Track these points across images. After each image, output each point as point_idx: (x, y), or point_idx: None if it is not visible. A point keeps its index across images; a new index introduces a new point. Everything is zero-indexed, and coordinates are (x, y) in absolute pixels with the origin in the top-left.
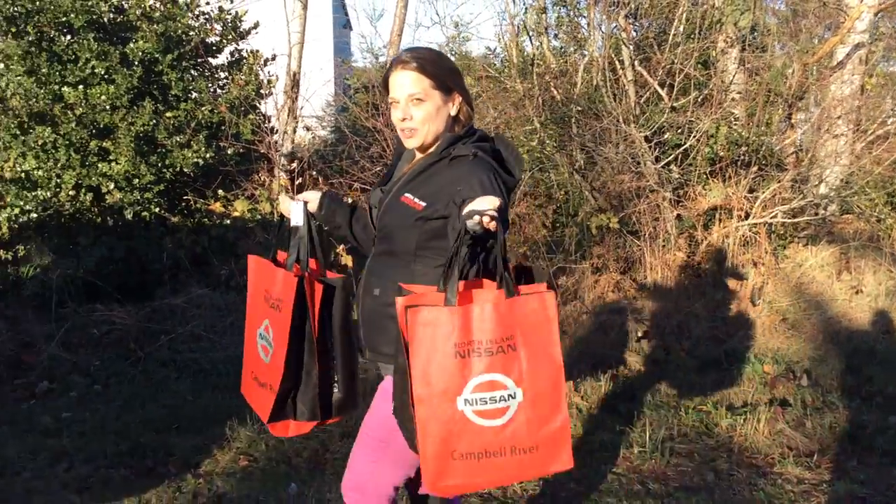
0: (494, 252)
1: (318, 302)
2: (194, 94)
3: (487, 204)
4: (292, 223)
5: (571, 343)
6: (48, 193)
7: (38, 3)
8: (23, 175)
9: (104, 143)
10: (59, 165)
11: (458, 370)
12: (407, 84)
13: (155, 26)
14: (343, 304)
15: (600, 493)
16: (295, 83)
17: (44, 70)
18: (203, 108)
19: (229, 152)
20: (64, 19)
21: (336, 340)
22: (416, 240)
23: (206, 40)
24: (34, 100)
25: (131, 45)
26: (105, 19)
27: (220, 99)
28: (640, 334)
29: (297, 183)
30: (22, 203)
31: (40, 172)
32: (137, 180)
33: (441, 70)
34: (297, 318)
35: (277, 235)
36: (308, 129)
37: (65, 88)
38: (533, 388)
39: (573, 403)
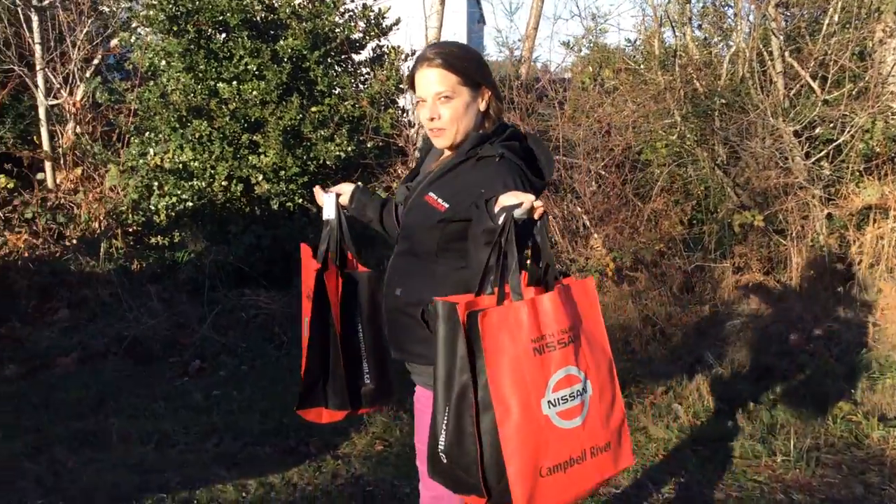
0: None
1: (339, 293)
2: (338, 90)
3: (515, 199)
4: (324, 216)
5: (710, 344)
6: (203, 184)
7: (197, 2)
8: (180, 166)
9: (254, 137)
10: (213, 157)
11: (539, 369)
12: (434, 82)
13: (304, 24)
14: (370, 296)
15: (741, 500)
16: None
17: (201, 67)
18: (346, 103)
19: (369, 145)
20: (221, 18)
21: (364, 333)
22: (437, 241)
23: (351, 37)
24: (192, 95)
25: (281, 42)
26: (258, 18)
27: (361, 94)
28: (785, 338)
29: None
30: (179, 192)
31: (196, 164)
32: (284, 172)
33: (468, 64)
34: (318, 310)
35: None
36: None
37: (220, 84)
38: (597, 378)
39: (707, 408)
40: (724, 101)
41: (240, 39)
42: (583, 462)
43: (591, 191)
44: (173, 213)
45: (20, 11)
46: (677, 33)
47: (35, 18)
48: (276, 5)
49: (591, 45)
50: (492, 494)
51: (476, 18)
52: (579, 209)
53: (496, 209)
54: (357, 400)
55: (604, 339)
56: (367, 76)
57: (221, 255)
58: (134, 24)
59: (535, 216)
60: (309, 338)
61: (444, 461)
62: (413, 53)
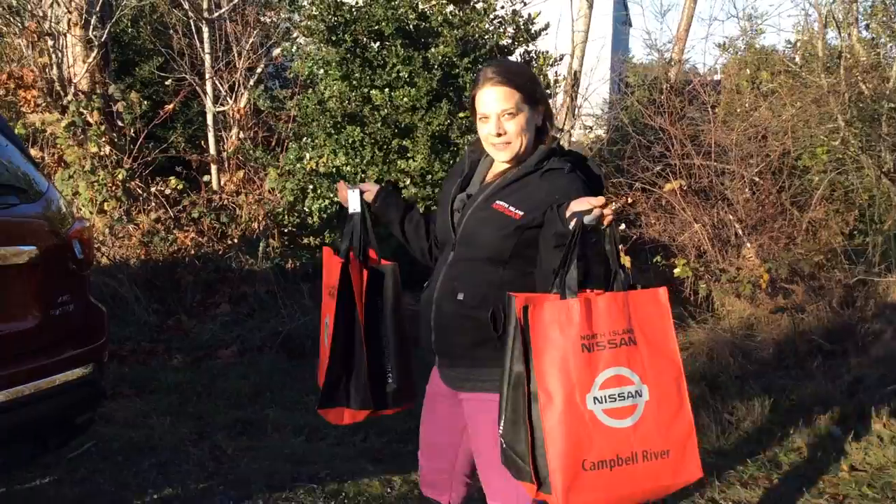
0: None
1: (365, 288)
2: None
3: (586, 205)
4: (349, 210)
5: (872, 363)
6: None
7: (355, 13)
8: (334, 170)
9: (404, 142)
10: (364, 162)
11: (587, 365)
12: (499, 100)
13: (454, 31)
14: (394, 290)
15: None
16: (575, 82)
17: (356, 75)
18: None
19: None
20: (376, 28)
21: (388, 328)
22: (511, 247)
23: (500, 43)
24: (347, 102)
25: (432, 49)
26: (411, 26)
27: None
28: None
29: None
30: (332, 195)
31: (348, 168)
32: (430, 176)
33: (528, 82)
34: (342, 305)
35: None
36: (588, 127)
37: (373, 91)
38: (658, 385)
39: (874, 431)
40: (892, 105)
41: (393, 48)
42: (633, 464)
43: (744, 198)
44: (325, 215)
45: (192, 23)
46: (842, 34)
47: (206, 30)
48: (428, 14)
49: (747, 46)
50: (542, 483)
51: (622, 21)
52: (731, 217)
53: (567, 214)
54: (380, 399)
55: (672, 349)
56: None
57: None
58: (294, 35)
59: (605, 223)
60: (333, 334)
61: (504, 446)
62: (561, 58)
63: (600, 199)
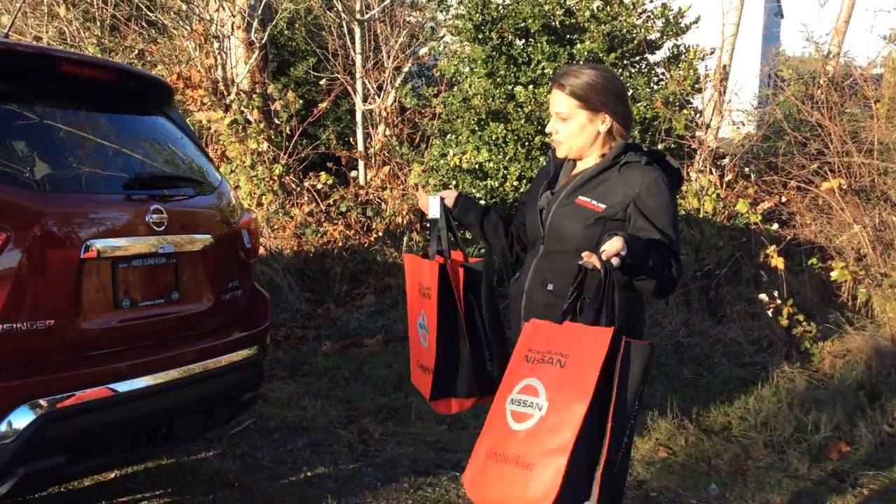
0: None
1: (462, 286)
2: (631, 91)
3: (615, 246)
4: (430, 216)
5: None
6: (496, 183)
7: (501, 10)
8: (477, 166)
9: (547, 139)
10: (507, 158)
11: (516, 370)
12: (556, 103)
13: (602, 27)
14: (487, 285)
15: None
16: (724, 76)
17: (501, 72)
18: (638, 104)
19: (660, 147)
20: (522, 25)
21: (486, 320)
22: (595, 238)
23: (648, 37)
24: (491, 99)
25: (578, 45)
26: (557, 23)
27: (655, 95)
28: None
29: (726, 180)
30: (474, 191)
31: (491, 164)
32: None
33: (590, 92)
34: (444, 302)
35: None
36: (740, 123)
37: (517, 88)
38: (557, 405)
39: None
40: None
41: (539, 44)
42: (509, 465)
43: None
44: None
45: (345, 25)
46: None
47: (357, 31)
48: (575, 10)
49: None
50: None
51: (774, 12)
52: (894, 219)
53: (602, 246)
54: (484, 386)
55: (588, 380)
56: (661, 76)
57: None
58: (441, 34)
59: (595, 266)
60: (437, 330)
61: None
62: (712, 52)
63: (615, 248)
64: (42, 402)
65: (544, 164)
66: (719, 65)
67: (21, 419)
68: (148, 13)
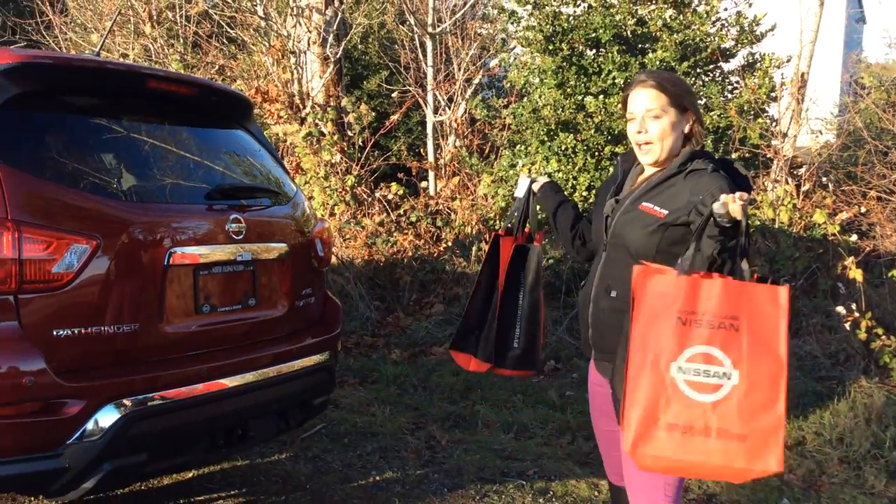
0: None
1: (508, 261)
2: (704, 100)
3: (726, 198)
4: (515, 194)
5: None
6: (565, 193)
7: (572, 21)
8: (546, 177)
9: (616, 148)
10: (576, 168)
11: (676, 336)
12: (645, 101)
13: (674, 36)
14: (535, 268)
15: None
16: (802, 84)
17: (571, 82)
18: (712, 113)
19: (734, 156)
20: (593, 35)
21: (524, 299)
22: (657, 245)
23: (721, 45)
24: (561, 110)
25: (650, 55)
26: (628, 32)
27: (729, 103)
28: None
29: (803, 190)
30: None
31: (560, 174)
32: None
33: (677, 89)
34: (487, 269)
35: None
36: (817, 132)
37: (587, 98)
38: (751, 374)
39: None
40: None
41: (610, 54)
42: (706, 437)
43: None
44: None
45: (417, 38)
46: None
47: (429, 44)
48: (647, 19)
49: None
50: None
51: (856, 18)
52: None
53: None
54: (501, 359)
55: (777, 347)
56: (736, 85)
57: (579, 261)
58: (512, 46)
59: (735, 214)
60: (474, 290)
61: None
62: (788, 60)
63: (742, 194)
64: (126, 401)
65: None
66: (797, 72)
67: (107, 417)
68: (228, 30)
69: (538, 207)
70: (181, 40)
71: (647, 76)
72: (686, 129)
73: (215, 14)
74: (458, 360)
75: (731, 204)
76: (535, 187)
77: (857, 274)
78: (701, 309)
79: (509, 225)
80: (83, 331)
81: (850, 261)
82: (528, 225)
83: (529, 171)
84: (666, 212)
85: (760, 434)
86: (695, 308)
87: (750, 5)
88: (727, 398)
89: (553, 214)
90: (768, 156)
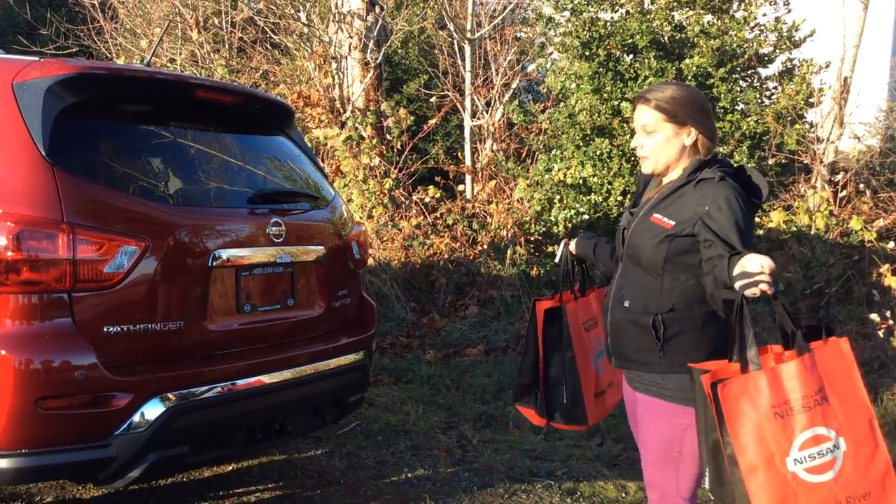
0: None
1: (542, 321)
2: (741, 106)
3: (758, 265)
4: (556, 261)
5: None
6: (599, 198)
7: (610, 27)
8: (581, 181)
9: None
10: (611, 174)
11: (782, 431)
12: (640, 117)
13: (711, 42)
14: (567, 326)
15: None
16: (845, 89)
17: (607, 88)
18: (749, 119)
19: (770, 162)
20: (630, 41)
21: (562, 357)
22: (664, 255)
23: (759, 51)
24: (597, 115)
25: (687, 60)
26: (665, 38)
27: (766, 109)
28: None
29: (840, 196)
30: (577, 205)
31: (595, 179)
32: None
33: (675, 105)
34: (529, 333)
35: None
36: (857, 137)
37: (623, 104)
38: (853, 434)
39: None
40: None
41: (646, 60)
42: None
43: None
44: (570, 225)
45: (456, 43)
46: None
47: (468, 49)
48: (684, 24)
49: None
50: None
51: None
52: None
53: (735, 271)
54: (552, 414)
55: (860, 396)
56: (773, 91)
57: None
58: (549, 51)
59: (768, 293)
60: (524, 351)
61: (712, 497)
62: (828, 66)
63: (768, 265)
64: (171, 395)
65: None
66: (840, 77)
67: (152, 410)
68: (272, 36)
69: (576, 262)
70: (227, 46)
71: (647, 92)
72: (688, 142)
73: (260, 20)
74: (524, 413)
75: (763, 287)
76: (572, 248)
77: (892, 281)
78: (791, 396)
79: (560, 290)
80: (132, 328)
81: (885, 268)
82: (574, 284)
83: (561, 181)
84: (673, 223)
85: (877, 484)
86: (785, 398)
87: (789, 11)
88: (844, 467)
89: (594, 255)
90: (805, 161)
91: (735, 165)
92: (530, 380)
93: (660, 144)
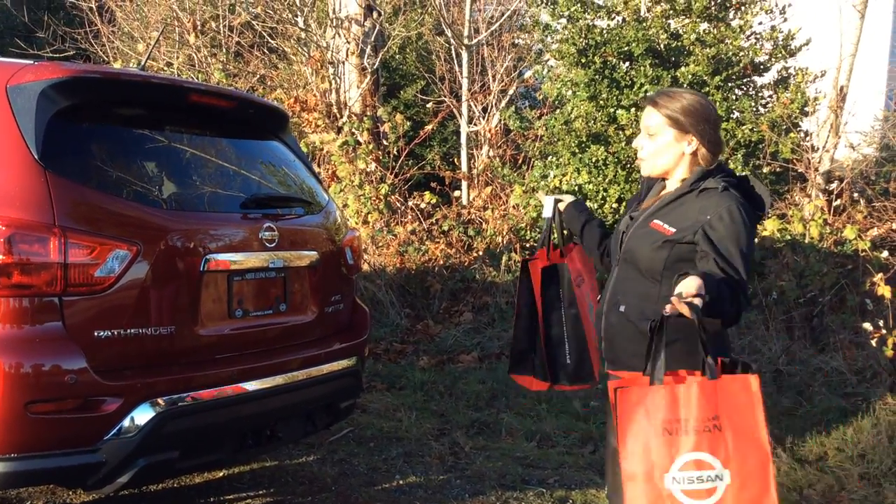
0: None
1: (540, 282)
2: (736, 114)
3: (691, 287)
4: (543, 215)
5: None
6: (595, 205)
7: (606, 35)
8: (576, 188)
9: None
10: (606, 180)
11: (667, 448)
12: (644, 118)
13: (707, 50)
14: (569, 284)
15: None
16: (841, 98)
17: (603, 95)
18: (743, 127)
19: (765, 170)
20: (626, 49)
21: (566, 315)
22: (663, 261)
23: (755, 60)
24: (593, 122)
25: (682, 68)
26: (661, 46)
27: (761, 117)
28: None
29: (834, 205)
30: None
31: (590, 186)
32: None
33: (678, 113)
34: (523, 292)
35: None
36: (858, 145)
37: (619, 111)
38: (741, 470)
39: None
40: None
41: (642, 68)
42: None
43: None
44: (565, 232)
45: (453, 49)
46: None
47: (465, 55)
48: (681, 32)
49: None
50: None
51: None
52: None
53: (676, 289)
54: (556, 376)
55: (759, 436)
56: (768, 99)
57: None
58: (546, 58)
59: (685, 313)
60: (517, 314)
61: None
62: (823, 74)
63: (696, 287)
64: (161, 400)
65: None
66: (836, 85)
67: (142, 415)
68: (270, 41)
69: (564, 226)
70: (224, 50)
71: (655, 95)
72: (688, 151)
73: (257, 25)
74: (520, 382)
75: (678, 305)
76: (562, 206)
77: (885, 291)
78: (683, 416)
79: (544, 245)
80: (122, 332)
81: (878, 277)
82: (557, 242)
83: (556, 188)
84: (674, 229)
85: None
86: (678, 416)
87: (785, 20)
88: (723, 499)
89: (580, 233)
90: (799, 170)
91: (734, 177)
92: (527, 345)
93: (660, 148)
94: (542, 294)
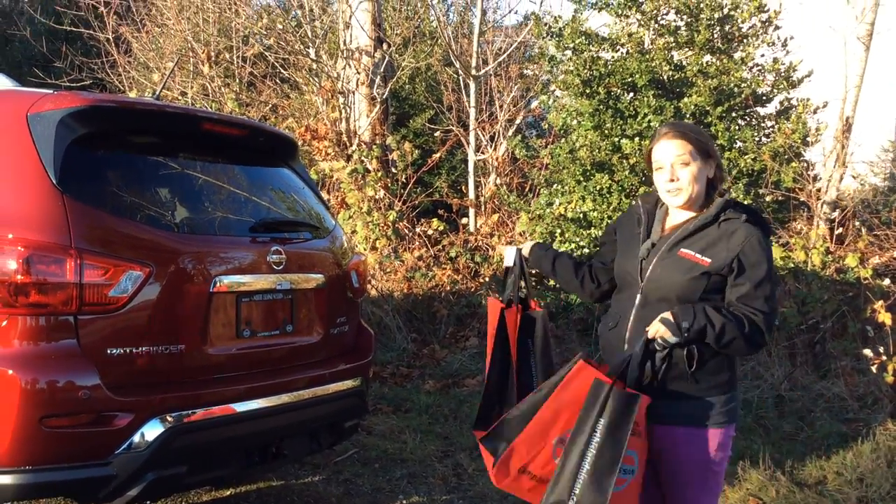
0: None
1: (517, 330)
2: (738, 144)
3: (654, 330)
4: (505, 264)
5: None
6: (599, 232)
7: (610, 66)
8: (581, 215)
9: (650, 189)
10: (611, 208)
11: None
12: (672, 149)
13: (709, 81)
14: (543, 333)
15: None
16: (847, 128)
17: (608, 125)
18: (746, 157)
19: (767, 199)
20: (630, 80)
21: (537, 366)
22: (700, 290)
23: (757, 91)
24: (597, 151)
25: (685, 99)
26: (664, 77)
27: (763, 147)
28: None
29: (837, 233)
30: (577, 239)
31: (595, 214)
32: None
33: (700, 137)
34: (498, 343)
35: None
36: (854, 177)
37: (623, 140)
38: (641, 467)
39: None
40: None
41: (645, 98)
42: None
43: None
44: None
45: (461, 80)
46: None
47: (472, 85)
48: (683, 64)
49: None
50: None
51: None
52: None
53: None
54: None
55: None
56: (770, 129)
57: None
58: (552, 88)
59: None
60: (489, 367)
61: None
62: (825, 105)
63: (654, 331)
64: (170, 416)
65: (626, 210)
66: (842, 116)
67: (152, 431)
68: (282, 71)
69: (532, 271)
70: (237, 80)
71: (670, 128)
72: (710, 175)
73: (270, 56)
74: (478, 436)
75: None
76: (526, 251)
77: (886, 318)
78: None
79: (510, 296)
80: (134, 350)
81: (879, 304)
82: (525, 292)
83: (561, 215)
84: (710, 260)
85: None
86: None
87: (787, 52)
88: (626, 491)
89: (552, 269)
90: (801, 199)
91: (748, 208)
92: (497, 398)
93: (696, 174)
94: (518, 341)
